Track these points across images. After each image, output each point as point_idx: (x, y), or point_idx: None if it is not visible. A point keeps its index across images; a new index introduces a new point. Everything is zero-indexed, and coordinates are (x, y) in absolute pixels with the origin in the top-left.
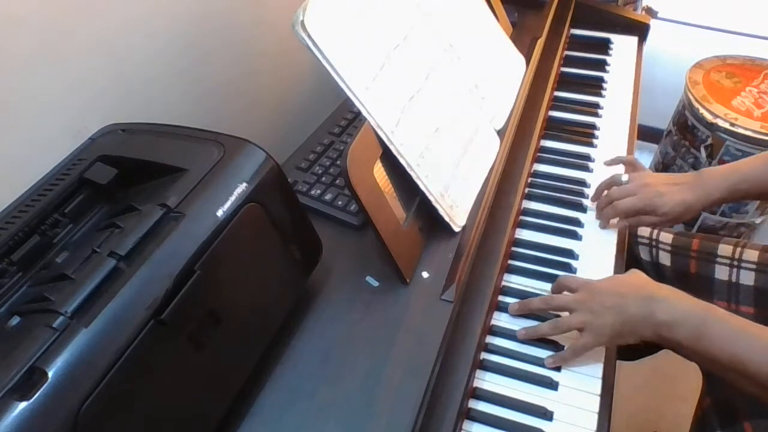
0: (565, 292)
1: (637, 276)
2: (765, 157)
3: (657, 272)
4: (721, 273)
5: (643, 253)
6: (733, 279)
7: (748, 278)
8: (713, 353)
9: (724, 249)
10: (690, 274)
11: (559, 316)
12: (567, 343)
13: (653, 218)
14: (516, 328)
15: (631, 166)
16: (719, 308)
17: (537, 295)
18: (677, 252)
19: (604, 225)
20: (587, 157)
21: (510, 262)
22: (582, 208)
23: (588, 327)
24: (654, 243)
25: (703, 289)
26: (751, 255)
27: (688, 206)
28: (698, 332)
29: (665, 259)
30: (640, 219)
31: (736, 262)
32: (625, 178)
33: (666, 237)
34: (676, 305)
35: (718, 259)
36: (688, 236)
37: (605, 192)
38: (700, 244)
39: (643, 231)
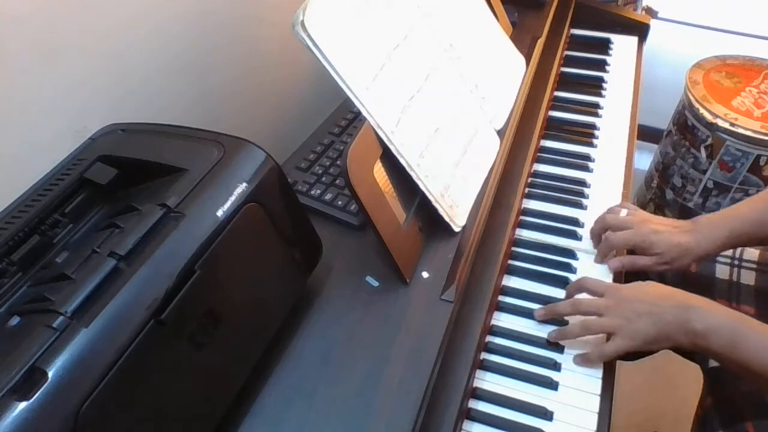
0: (585, 295)
1: (661, 285)
2: (764, 197)
3: (657, 272)
4: (722, 272)
5: None
6: (734, 278)
7: (748, 278)
8: (747, 362)
9: None
10: (690, 274)
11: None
12: (576, 345)
13: (648, 260)
14: (516, 327)
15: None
16: (752, 318)
17: (537, 294)
18: None
19: (600, 260)
20: (587, 157)
21: (510, 262)
22: (582, 208)
23: (620, 332)
24: None
25: (704, 288)
26: (752, 254)
27: (685, 250)
28: (732, 341)
29: None
30: (635, 262)
31: (736, 262)
32: (623, 213)
33: None
34: (711, 314)
35: (719, 258)
36: None
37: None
38: None
39: None
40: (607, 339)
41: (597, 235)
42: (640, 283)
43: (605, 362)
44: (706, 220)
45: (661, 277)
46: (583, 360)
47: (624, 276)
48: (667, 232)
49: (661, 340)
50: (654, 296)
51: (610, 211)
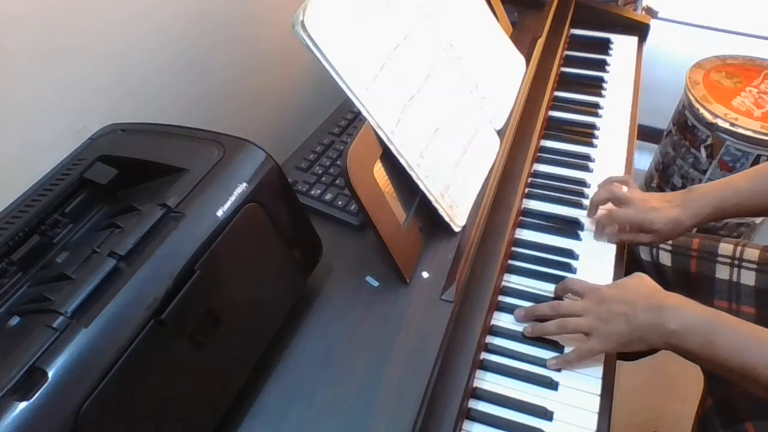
0: (570, 295)
1: (642, 281)
2: (755, 172)
3: (657, 272)
4: (722, 272)
5: (644, 254)
6: (734, 279)
7: (748, 278)
8: (724, 360)
9: (725, 248)
10: (690, 274)
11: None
12: (570, 345)
13: (648, 236)
14: (516, 327)
15: (626, 185)
16: (728, 314)
17: (537, 295)
18: (678, 252)
19: (600, 233)
20: (587, 157)
21: (510, 262)
22: (582, 208)
23: (595, 332)
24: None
25: (704, 288)
26: (752, 254)
27: (678, 223)
28: (708, 340)
29: (665, 259)
30: (637, 236)
31: (737, 262)
32: (624, 189)
33: None
34: (685, 313)
35: (719, 259)
36: (688, 236)
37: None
38: (700, 244)
39: None
40: None
41: (597, 205)
42: (625, 278)
43: (606, 363)
44: (698, 189)
45: (662, 276)
46: (561, 362)
47: (625, 267)
48: (663, 208)
49: (634, 341)
50: (632, 296)
51: (609, 181)
